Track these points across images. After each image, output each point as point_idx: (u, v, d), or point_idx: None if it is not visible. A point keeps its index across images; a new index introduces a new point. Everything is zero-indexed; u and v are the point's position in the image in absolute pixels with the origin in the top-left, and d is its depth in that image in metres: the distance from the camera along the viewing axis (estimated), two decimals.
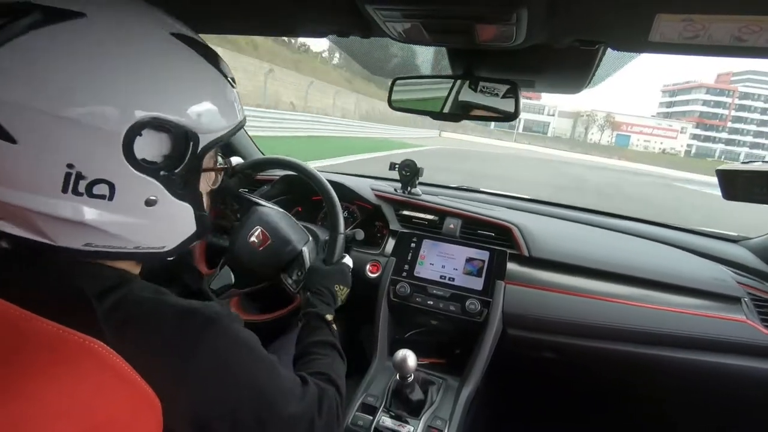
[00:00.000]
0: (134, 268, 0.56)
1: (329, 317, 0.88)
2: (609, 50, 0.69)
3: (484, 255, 1.24)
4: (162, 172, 0.49)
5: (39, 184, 0.43)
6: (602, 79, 0.89)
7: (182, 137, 0.50)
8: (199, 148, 0.52)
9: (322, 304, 0.91)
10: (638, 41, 0.60)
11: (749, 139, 79.95)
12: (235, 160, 1.16)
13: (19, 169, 0.43)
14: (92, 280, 0.48)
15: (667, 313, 1.10)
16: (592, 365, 1.22)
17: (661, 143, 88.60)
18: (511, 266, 1.22)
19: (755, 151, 77.53)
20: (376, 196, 1.45)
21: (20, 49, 0.42)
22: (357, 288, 1.12)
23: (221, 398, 0.50)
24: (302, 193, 1.50)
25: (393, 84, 0.98)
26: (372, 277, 1.29)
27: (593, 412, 1.50)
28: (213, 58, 0.54)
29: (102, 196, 0.46)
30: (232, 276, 1.14)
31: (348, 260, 1.06)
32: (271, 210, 1.16)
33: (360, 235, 1.26)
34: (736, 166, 0.91)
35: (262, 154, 1.75)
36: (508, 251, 1.24)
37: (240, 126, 0.59)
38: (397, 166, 1.47)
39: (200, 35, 0.55)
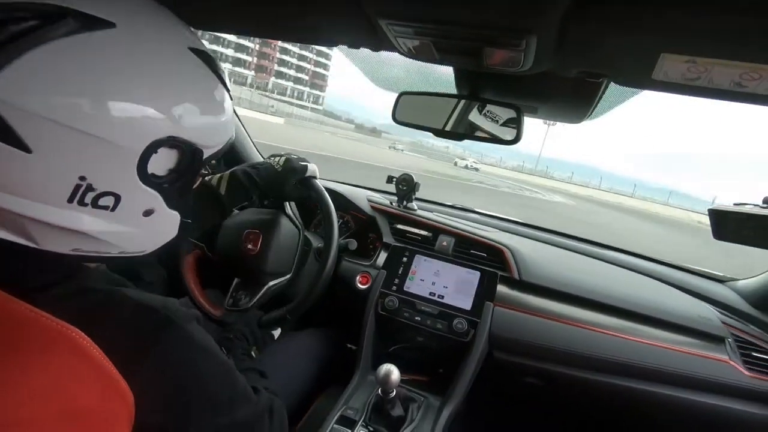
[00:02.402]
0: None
1: (253, 354, 0.96)
2: (612, 84, 0.70)
3: (475, 275, 1.24)
4: (165, 185, 0.51)
5: (45, 194, 0.42)
6: (604, 111, 0.90)
7: (190, 153, 0.52)
8: (202, 161, 0.55)
9: (243, 344, 0.98)
10: (642, 78, 0.61)
11: (293, 72, 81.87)
12: (312, 168, 1.15)
13: (28, 179, 0.41)
14: (35, 272, 0.46)
15: (653, 347, 1.10)
16: (576, 394, 1.22)
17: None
18: (501, 288, 1.22)
19: (298, 86, 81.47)
20: (372, 207, 1.45)
21: (47, 56, 0.39)
22: (345, 299, 1.11)
23: (173, 401, 0.50)
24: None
25: (399, 98, 0.99)
26: (361, 289, 1.28)
27: None
28: (221, 73, 0.56)
29: (105, 207, 0.46)
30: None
31: (276, 332, 1.10)
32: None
33: (353, 245, 1.26)
34: (728, 207, 0.92)
35: (263, 157, 1.75)
36: (499, 273, 1.24)
37: (231, 140, 0.62)
38: (394, 179, 1.48)
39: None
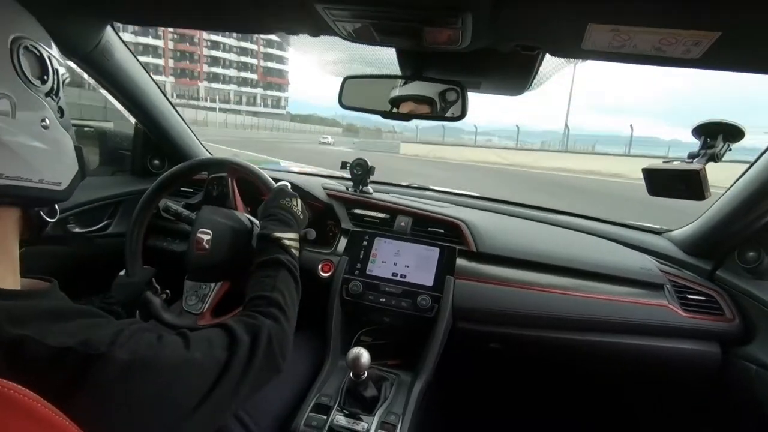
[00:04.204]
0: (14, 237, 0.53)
1: (277, 234, 0.85)
2: (548, 56, 0.73)
3: (435, 251, 1.27)
4: (45, 94, 0.53)
5: None
6: (543, 81, 0.94)
7: (47, 62, 0.54)
8: (60, 75, 0.57)
9: (272, 224, 0.88)
10: (572, 48, 0.64)
11: (233, 73, 67.14)
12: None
13: None
14: None
15: (601, 301, 1.18)
16: (535, 353, 1.29)
17: None
18: (460, 261, 1.26)
19: (246, 89, 69.15)
20: (328, 195, 1.44)
21: None
22: (309, 288, 1.10)
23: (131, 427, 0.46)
24: (251, 193, 1.46)
25: (344, 83, 0.98)
26: (324, 277, 1.28)
27: (538, 398, 1.59)
28: None
29: (6, 113, 0.48)
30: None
31: (281, 183, 1.04)
32: (203, 211, 1.12)
33: (312, 234, 1.25)
34: (659, 165, 0.99)
35: (210, 153, 1.69)
36: (457, 247, 1.28)
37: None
38: (348, 164, 1.47)
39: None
